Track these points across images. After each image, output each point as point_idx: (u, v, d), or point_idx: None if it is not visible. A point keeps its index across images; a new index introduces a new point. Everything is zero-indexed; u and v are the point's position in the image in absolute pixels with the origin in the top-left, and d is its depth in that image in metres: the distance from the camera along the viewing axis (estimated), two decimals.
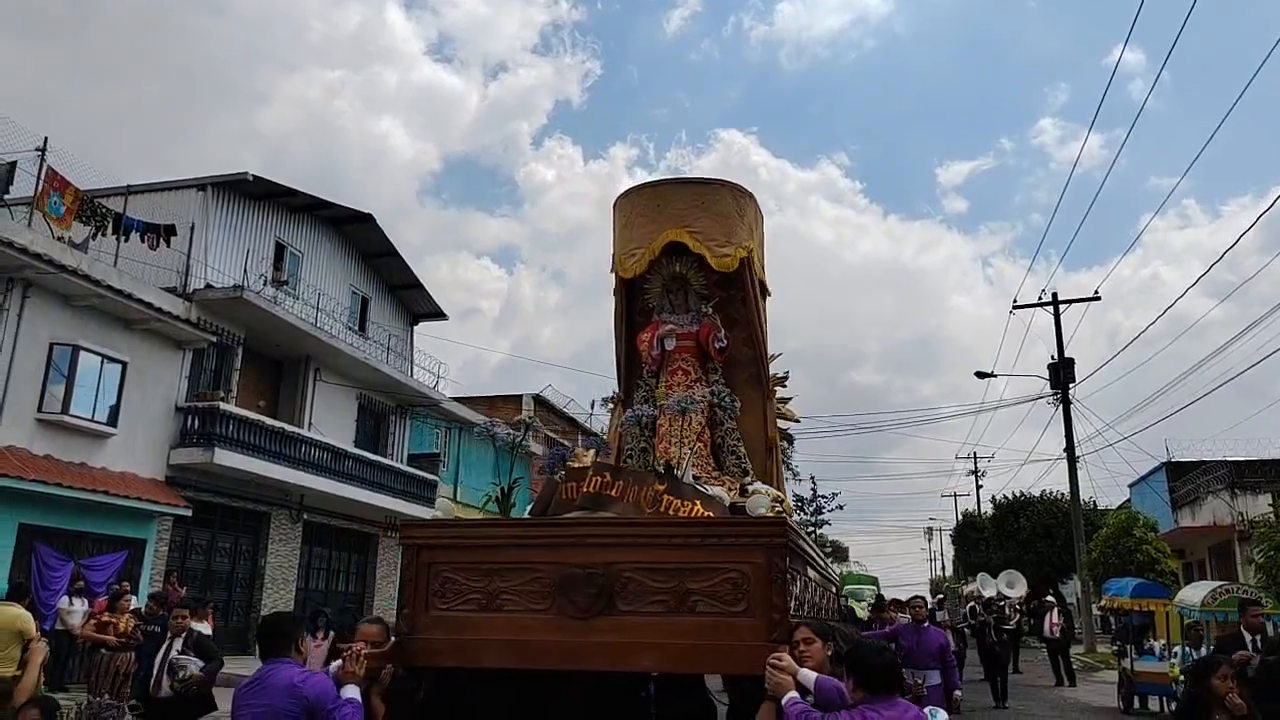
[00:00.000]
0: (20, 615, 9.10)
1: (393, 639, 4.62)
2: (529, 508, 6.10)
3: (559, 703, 5.68)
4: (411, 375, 24.55)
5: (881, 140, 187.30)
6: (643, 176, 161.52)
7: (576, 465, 5.89)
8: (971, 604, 16.78)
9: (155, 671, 7.16)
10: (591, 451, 6.55)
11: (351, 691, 3.88)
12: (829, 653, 4.18)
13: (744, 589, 4.36)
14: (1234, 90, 54.79)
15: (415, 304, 26.23)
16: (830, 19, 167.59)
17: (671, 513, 4.89)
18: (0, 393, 13.36)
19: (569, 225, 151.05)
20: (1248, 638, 7.58)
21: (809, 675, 3.85)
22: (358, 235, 23.26)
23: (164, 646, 7.36)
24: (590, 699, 5.81)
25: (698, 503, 4.94)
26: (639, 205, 6.88)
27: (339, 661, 4.10)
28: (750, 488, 5.88)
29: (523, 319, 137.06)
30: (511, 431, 6.98)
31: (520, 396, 32.65)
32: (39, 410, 14.00)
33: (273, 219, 20.63)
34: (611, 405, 7.68)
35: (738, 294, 6.87)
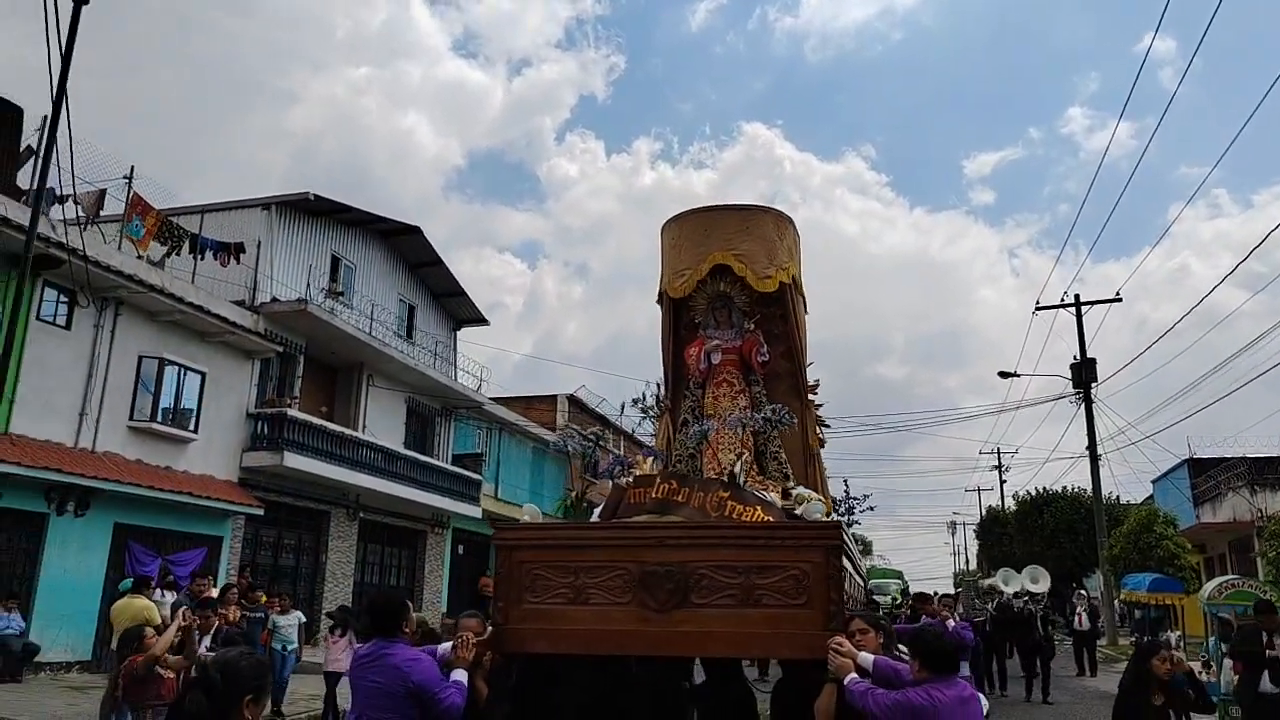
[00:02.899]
0: (147, 605, 10.31)
1: (490, 629, 5.10)
2: (597, 510, 6.51)
3: (626, 692, 6.23)
4: (456, 379, 25.63)
5: (908, 132, 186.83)
6: (666, 170, 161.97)
7: (640, 473, 6.49)
8: (1011, 599, 17.43)
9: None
10: (651, 459, 7.34)
11: (459, 674, 4.40)
12: (880, 641, 4.69)
13: (804, 585, 4.82)
14: (1265, 76, 54.79)
15: (459, 310, 27.33)
16: (856, 10, 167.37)
17: (735, 517, 5.40)
18: (98, 403, 14.55)
19: (592, 219, 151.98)
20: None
21: (868, 658, 4.31)
22: (405, 246, 24.37)
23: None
24: (648, 688, 6.42)
25: (758, 508, 5.48)
26: (687, 229, 7.41)
27: (449, 645, 4.73)
28: (794, 492, 6.30)
29: (546, 314, 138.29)
30: (584, 443, 7.88)
31: (555, 397, 33.65)
32: (130, 418, 15.18)
33: (329, 233, 21.77)
34: (659, 414, 8.46)
35: (777, 310, 7.36)
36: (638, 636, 5.03)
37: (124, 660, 5.97)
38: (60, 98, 4.47)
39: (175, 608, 12.01)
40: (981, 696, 5.99)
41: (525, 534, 5.77)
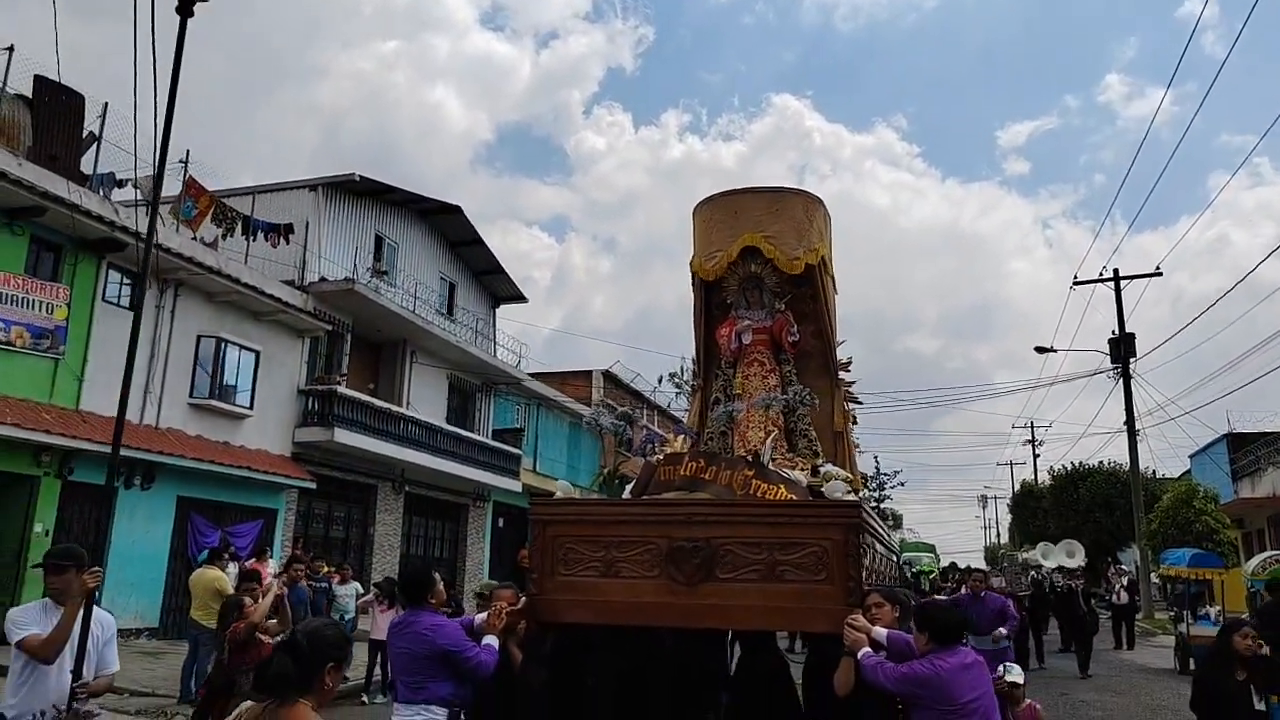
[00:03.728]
0: (218, 576, 10.79)
1: (523, 599, 5.34)
2: (629, 487, 6.74)
3: (655, 663, 6.46)
4: (495, 355, 26.05)
5: (941, 102, 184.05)
6: (694, 143, 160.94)
7: (671, 451, 6.68)
8: (1048, 575, 17.57)
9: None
10: (681, 438, 7.51)
11: (491, 640, 4.66)
12: (896, 615, 4.86)
13: (824, 561, 4.99)
14: None
15: (497, 288, 27.71)
16: None
17: (760, 495, 5.57)
18: (160, 381, 15.07)
19: (619, 193, 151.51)
20: None
21: (881, 632, 4.47)
22: (446, 225, 24.73)
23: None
24: (676, 661, 6.62)
25: (782, 486, 5.64)
26: (717, 212, 7.47)
27: (484, 615, 4.98)
28: (822, 469, 6.49)
29: (574, 288, 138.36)
30: (615, 421, 8.07)
31: (590, 372, 34.00)
32: (190, 396, 15.72)
33: (373, 213, 22.18)
34: (691, 392, 8.61)
35: (808, 290, 7.42)
36: (665, 608, 5.23)
37: (227, 628, 6.38)
38: (170, 113, 4.75)
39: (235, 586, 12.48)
40: (1017, 668, 6.15)
41: (558, 509, 5.98)
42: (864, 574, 5.17)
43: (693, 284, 7.76)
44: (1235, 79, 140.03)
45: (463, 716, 4.60)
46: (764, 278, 7.33)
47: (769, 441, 6.50)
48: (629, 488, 6.75)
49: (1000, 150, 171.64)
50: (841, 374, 7.89)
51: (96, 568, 4.44)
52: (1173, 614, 17.18)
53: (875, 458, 36.12)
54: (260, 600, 6.87)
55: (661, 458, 6.43)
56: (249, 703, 2.55)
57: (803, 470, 6.48)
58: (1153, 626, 23.22)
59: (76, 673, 4.07)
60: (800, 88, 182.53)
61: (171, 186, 16.79)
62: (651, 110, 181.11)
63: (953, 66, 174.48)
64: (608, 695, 5.95)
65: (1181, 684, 13.82)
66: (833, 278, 7.83)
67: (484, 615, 4.94)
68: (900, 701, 4.33)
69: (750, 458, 6.12)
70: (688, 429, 7.53)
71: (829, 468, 6.52)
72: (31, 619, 4.12)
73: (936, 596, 12.61)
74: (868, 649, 4.33)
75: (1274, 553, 14.30)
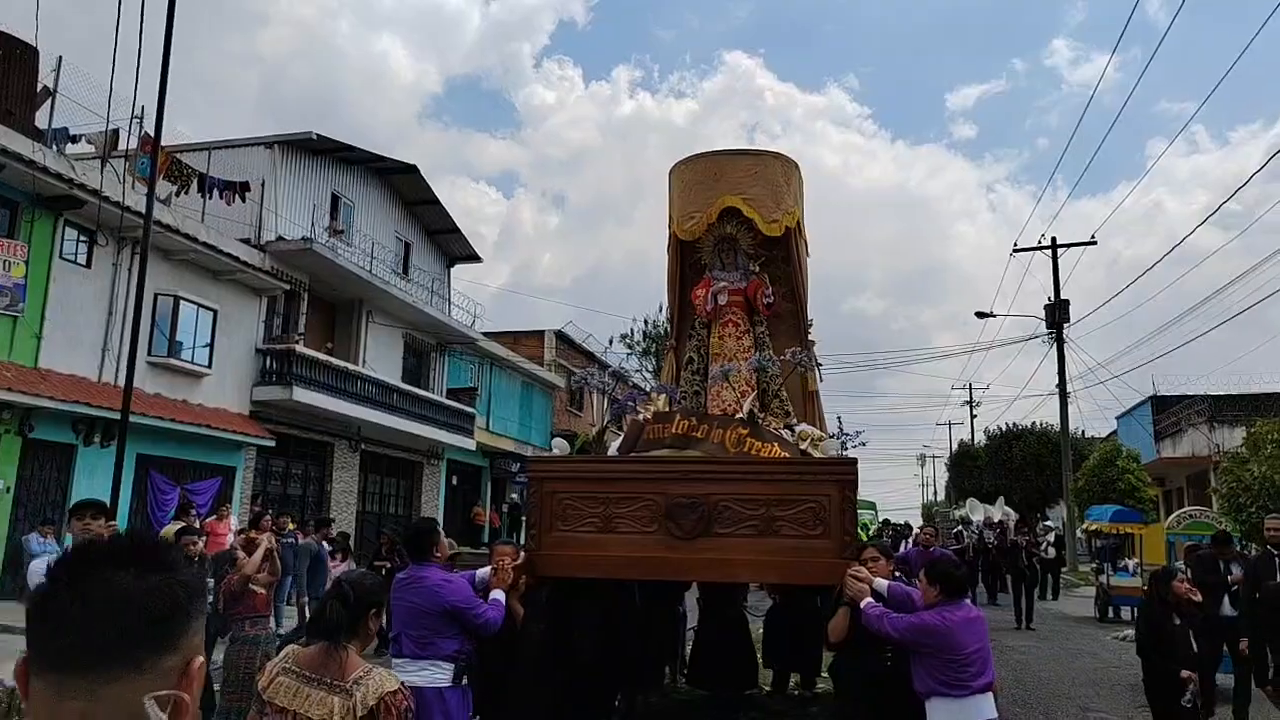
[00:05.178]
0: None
1: (523, 555, 5.46)
2: (618, 443, 6.90)
3: (627, 612, 6.85)
4: (450, 315, 26.16)
5: (892, 63, 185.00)
6: (645, 100, 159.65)
7: (657, 410, 6.75)
8: (981, 532, 18.44)
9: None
10: (663, 397, 7.86)
11: (498, 594, 4.83)
12: (891, 568, 5.11)
13: (821, 516, 5.17)
14: (1249, 6, 54.96)
15: (452, 247, 27.70)
16: None
17: (753, 453, 5.76)
18: (118, 339, 15.04)
19: (570, 149, 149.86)
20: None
21: (882, 584, 4.69)
22: (401, 185, 24.63)
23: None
24: (646, 610, 7.11)
25: (776, 445, 5.87)
26: (697, 172, 7.54)
27: (488, 570, 5.11)
28: (797, 429, 6.66)
29: (522, 243, 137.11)
30: (606, 381, 8.49)
31: (543, 333, 34.27)
32: (149, 354, 15.69)
33: (329, 172, 22.03)
34: (665, 351, 8.93)
35: (781, 253, 7.59)
36: (664, 563, 5.45)
37: (220, 580, 6.73)
38: (163, 90, 5.01)
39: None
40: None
41: (556, 466, 6.16)
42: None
43: (668, 244, 7.86)
44: (1179, 45, 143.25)
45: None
46: (739, 239, 7.47)
47: (748, 403, 6.65)
48: (613, 445, 6.93)
49: (949, 113, 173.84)
50: (808, 336, 7.95)
51: (114, 521, 4.77)
52: (1094, 566, 18.34)
53: (839, 418, 36.76)
54: (254, 553, 7.21)
55: (649, 416, 6.56)
56: (293, 646, 2.92)
57: (777, 429, 6.61)
58: (1076, 579, 24.62)
59: None
60: (753, 45, 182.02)
61: (126, 142, 16.60)
62: (603, 65, 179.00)
63: (905, 27, 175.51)
64: (588, 646, 6.20)
65: (1100, 631, 14.91)
66: (806, 241, 7.99)
67: (487, 570, 5.08)
68: (890, 650, 4.60)
69: (745, 416, 6.26)
70: (670, 388, 7.65)
71: (804, 427, 6.72)
72: None
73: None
74: (870, 599, 4.52)
75: (1190, 509, 15.39)
